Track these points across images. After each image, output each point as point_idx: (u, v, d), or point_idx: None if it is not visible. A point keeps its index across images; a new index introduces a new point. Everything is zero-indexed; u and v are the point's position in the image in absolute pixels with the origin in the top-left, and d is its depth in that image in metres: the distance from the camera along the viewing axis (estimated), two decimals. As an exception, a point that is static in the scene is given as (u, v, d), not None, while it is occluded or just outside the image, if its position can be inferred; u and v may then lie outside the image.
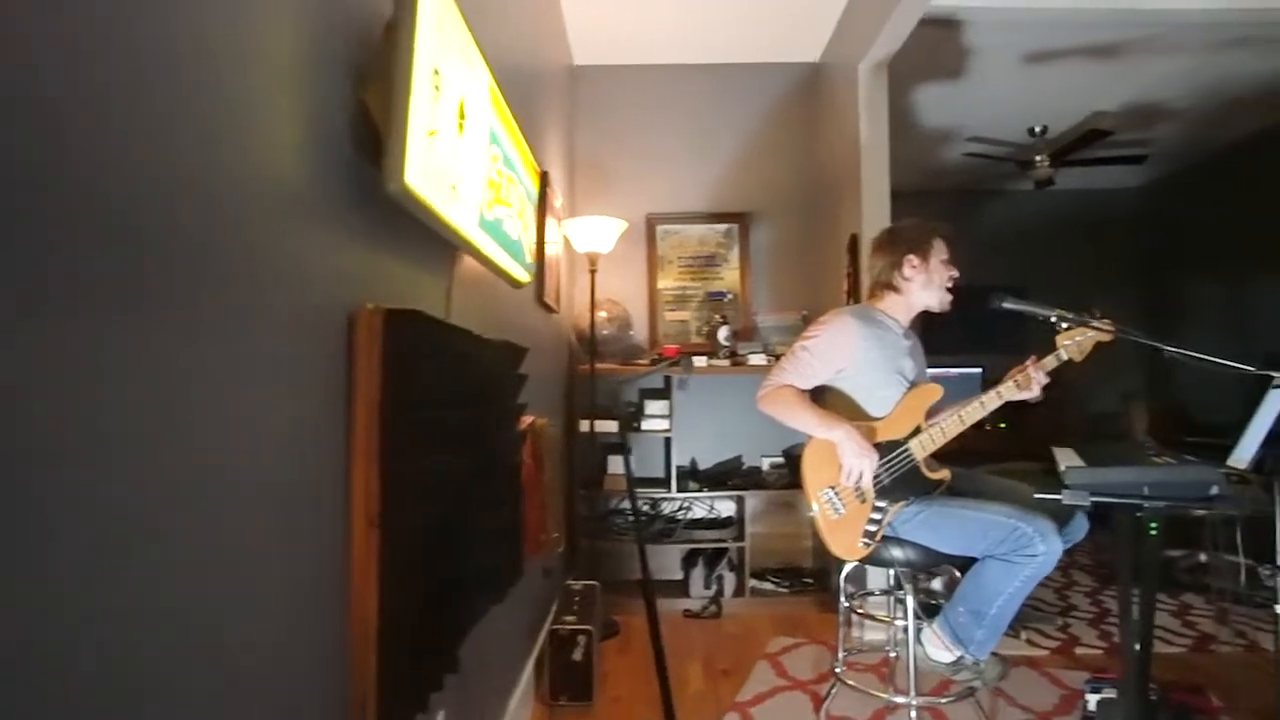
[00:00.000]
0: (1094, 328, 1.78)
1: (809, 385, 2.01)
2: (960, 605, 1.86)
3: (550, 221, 2.88)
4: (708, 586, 3.39)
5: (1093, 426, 5.50)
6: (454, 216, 1.17)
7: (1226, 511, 1.47)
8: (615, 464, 3.52)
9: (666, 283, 3.84)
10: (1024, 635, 2.92)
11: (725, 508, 3.70)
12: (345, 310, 0.99)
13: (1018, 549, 1.71)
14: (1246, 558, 3.48)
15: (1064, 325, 1.85)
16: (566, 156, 3.61)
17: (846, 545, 1.92)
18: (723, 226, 3.85)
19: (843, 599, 2.13)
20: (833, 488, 1.93)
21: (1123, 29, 3.48)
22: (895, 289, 2.08)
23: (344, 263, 1.00)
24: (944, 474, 1.96)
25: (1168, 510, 1.45)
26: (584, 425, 3.31)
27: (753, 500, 3.48)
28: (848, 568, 2.10)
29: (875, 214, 3.04)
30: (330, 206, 0.96)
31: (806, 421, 1.93)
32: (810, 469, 1.96)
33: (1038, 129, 4.72)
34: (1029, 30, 3.53)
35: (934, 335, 6.13)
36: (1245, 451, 1.68)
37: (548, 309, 2.85)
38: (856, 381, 2.02)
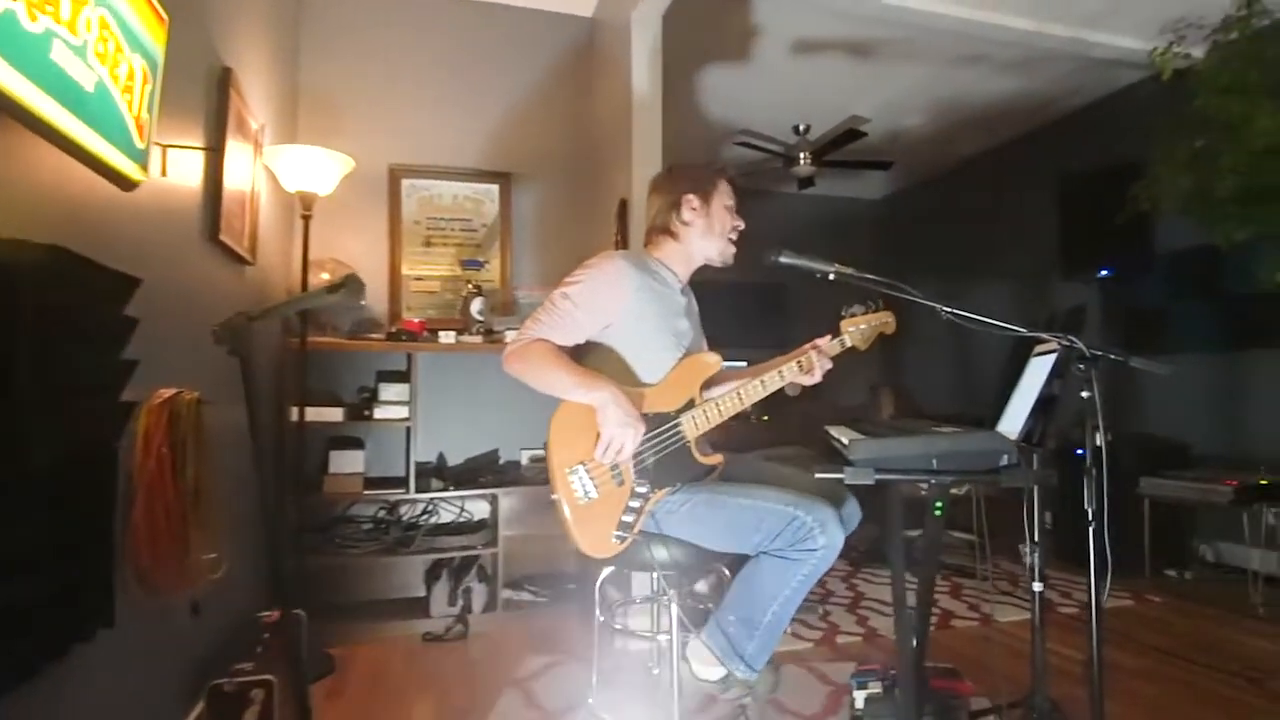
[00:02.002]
0: (877, 285, 1.58)
1: (569, 341, 1.63)
2: (730, 613, 1.56)
3: (244, 148, 2.21)
4: (452, 603, 2.87)
5: (847, 413, 5.82)
6: None
7: (1013, 484, 1.29)
8: (340, 460, 2.86)
9: (413, 246, 3.25)
10: (789, 628, 2.78)
11: (480, 509, 3.20)
12: None
13: (795, 543, 1.44)
14: (975, 534, 3.76)
15: (850, 311, 1.77)
16: (284, 81, 2.89)
17: (596, 539, 1.53)
18: (482, 186, 3.35)
19: (598, 611, 1.75)
20: (584, 464, 1.54)
21: (879, 26, 3.57)
22: (673, 235, 1.78)
23: None
24: (717, 459, 1.66)
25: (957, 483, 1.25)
26: (310, 414, 2.65)
27: (509, 499, 3.02)
28: (605, 572, 1.73)
29: (647, 176, 2.71)
30: None
31: (562, 382, 1.54)
32: (558, 442, 1.56)
33: (802, 127, 4.85)
34: (799, 13, 3.49)
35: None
36: (1013, 422, 1.58)
37: (235, 257, 2.16)
38: (625, 340, 1.66)
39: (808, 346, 1.71)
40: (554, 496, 1.55)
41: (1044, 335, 1.47)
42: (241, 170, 2.18)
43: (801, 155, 4.80)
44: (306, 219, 2.50)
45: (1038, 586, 1.70)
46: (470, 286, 3.03)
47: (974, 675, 2.34)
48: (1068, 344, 1.43)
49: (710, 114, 4.80)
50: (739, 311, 6.34)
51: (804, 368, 1.68)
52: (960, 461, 1.24)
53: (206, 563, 1.59)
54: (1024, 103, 4.57)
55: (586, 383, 1.54)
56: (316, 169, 2.45)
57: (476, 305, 2.98)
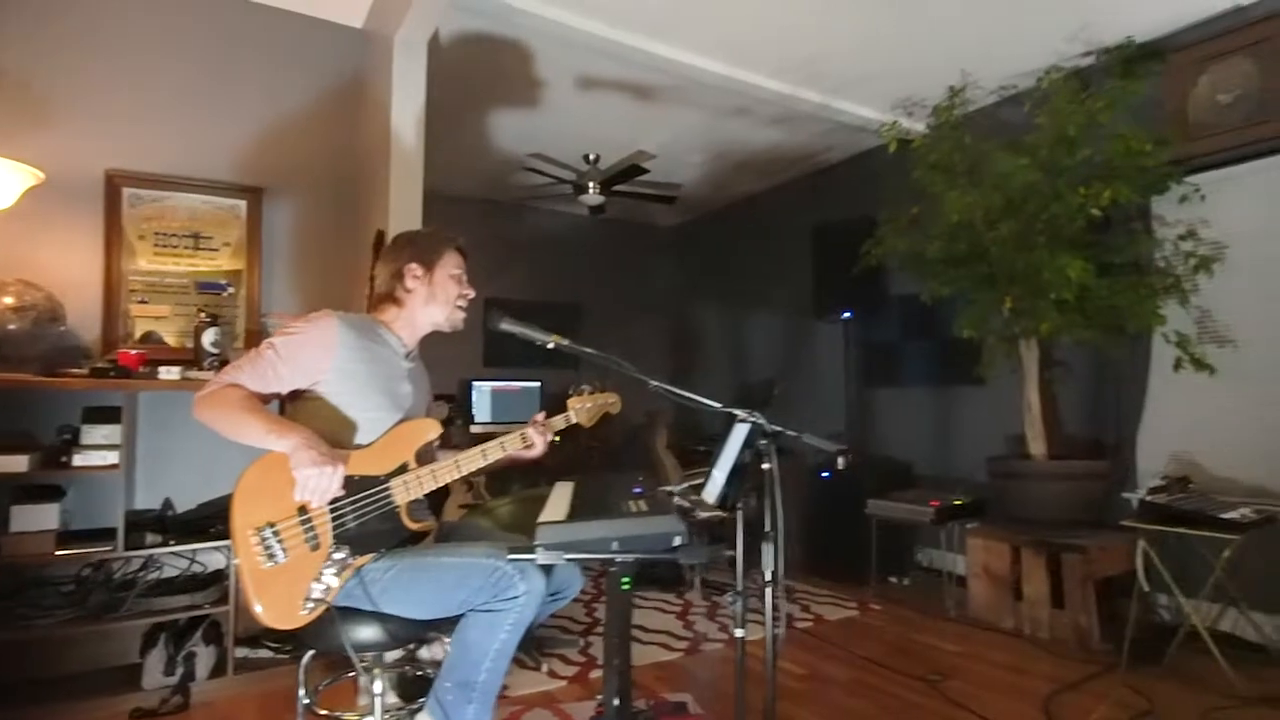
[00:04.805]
0: (592, 357, 1.63)
1: (264, 390, 1.58)
2: (447, 680, 1.54)
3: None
4: (170, 671, 2.56)
5: (631, 436, 6.03)
6: None
7: (688, 560, 1.40)
8: (25, 517, 2.45)
9: (136, 265, 2.88)
10: (545, 666, 2.81)
11: (215, 560, 2.89)
12: None
13: (498, 593, 1.47)
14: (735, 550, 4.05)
15: (578, 390, 1.91)
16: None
17: (281, 608, 1.45)
18: (227, 200, 3.04)
19: (302, 693, 1.64)
20: (273, 525, 1.46)
21: (652, 72, 3.74)
22: (397, 302, 1.79)
23: None
24: (428, 524, 1.64)
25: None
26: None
27: (249, 548, 2.76)
28: (310, 653, 1.63)
29: (404, 211, 2.67)
30: None
31: (253, 428, 1.49)
32: (244, 500, 1.48)
33: (592, 156, 4.96)
34: (575, 52, 3.55)
35: (496, 349, 6.17)
36: (716, 485, 1.70)
37: None
38: (336, 398, 1.62)
39: (532, 422, 1.77)
40: (235, 561, 1.45)
41: (734, 411, 1.60)
42: None
43: (591, 184, 4.90)
44: (-28, 238, 2.11)
45: (740, 633, 1.85)
46: (202, 315, 2.73)
47: (711, 702, 2.52)
48: (752, 420, 1.57)
49: (501, 140, 4.77)
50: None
51: (526, 440, 1.73)
52: (639, 544, 1.32)
53: None
54: (786, 154, 5.02)
55: (278, 429, 1.49)
56: (-13, 180, 2.08)
57: (209, 336, 2.69)
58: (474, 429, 5.36)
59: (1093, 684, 2.63)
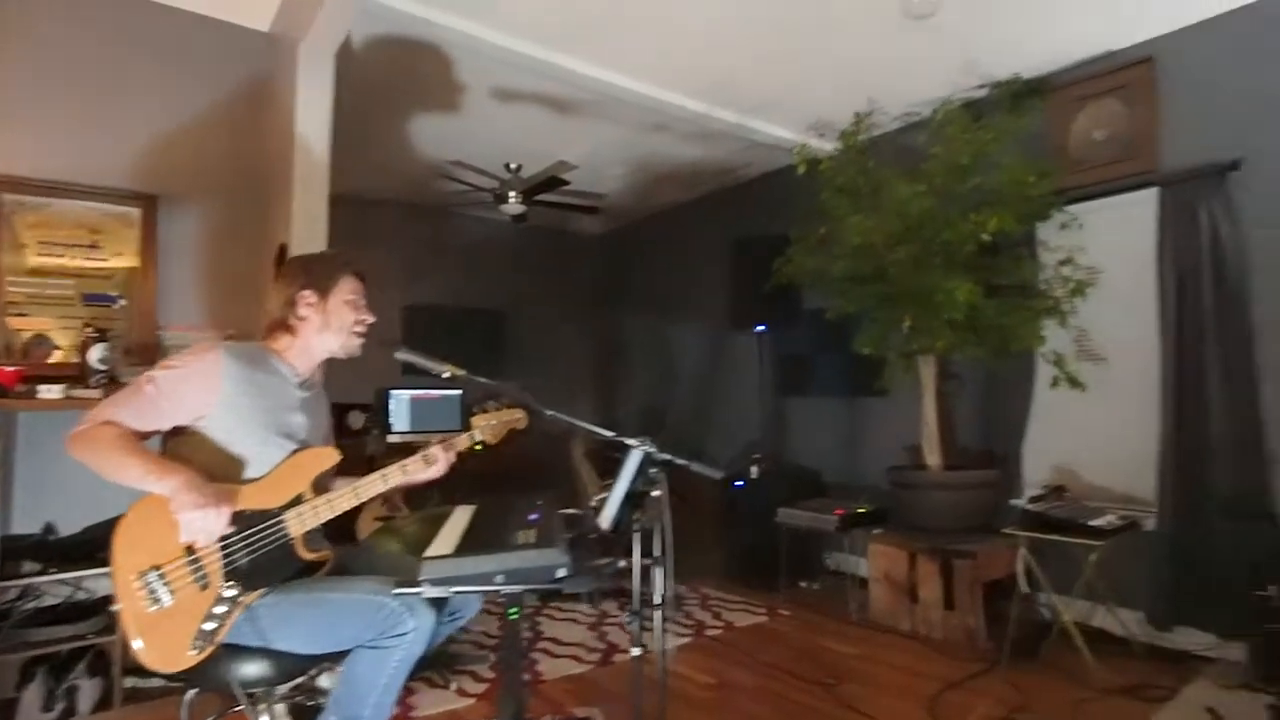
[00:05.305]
0: (486, 385, 1.65)
1: (144, 428, 1.52)
2: (333, 714, 1.54)
3: None
4: (49, 706, 2.44)
5: (551, 446, 6.04)
6: None
7: (573, 590, 1.44)
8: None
9: (17, 276, 2.71)
10: (454, 684, 2.80)
11: (104, 585, 2.75)
12: None
13: (386, 630, 1.47)
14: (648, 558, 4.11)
15: (483, 407, 1.91)
16: None
17: (167, 650, 1.42)
18: (119, 208, 2.90)
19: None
20: (158, 568, 1.43)
21: (569, 87, 3.76)
22: (289, 329, 1.74)
23: None
24: (325, 554, 1.62)
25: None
26: None
27: (140, 573, 2.64)
28: (193, 692, 1.59)
29: (308, 224, 2.62)
30: None
31: (130, 469, 1.43)
32: (125, 545, 1.45)
33: (513, 165, 4.93)
34: (492, 64, 3.54)
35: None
36: (611, 509, 1.75)
37: None
38: (222, 432, 1.58)
39: (442, 443, 1.80)
40: (115, 608, 1.42)
41: (624, 440, 1.64)
42: None
43: (512, 193, 4.88)
44: None
45: (635, 651, 1.90)
46: (89, 330, 2.60)
47: (618, 715, 2.57)
48: (642, 449, 1.62)
49: (422, 145, 4.70)
50: (460, 337, 6.29)
51: (428, 461, 1.75)
52: (524, 576, 1.35)
53: None
54: (707, 168, 5.14)
55: (158, 471, 1.44)
56: None
57: (96, 353, 2.56)
58: (391, 439, 5.25)
59: (975, 682, 2.80)
